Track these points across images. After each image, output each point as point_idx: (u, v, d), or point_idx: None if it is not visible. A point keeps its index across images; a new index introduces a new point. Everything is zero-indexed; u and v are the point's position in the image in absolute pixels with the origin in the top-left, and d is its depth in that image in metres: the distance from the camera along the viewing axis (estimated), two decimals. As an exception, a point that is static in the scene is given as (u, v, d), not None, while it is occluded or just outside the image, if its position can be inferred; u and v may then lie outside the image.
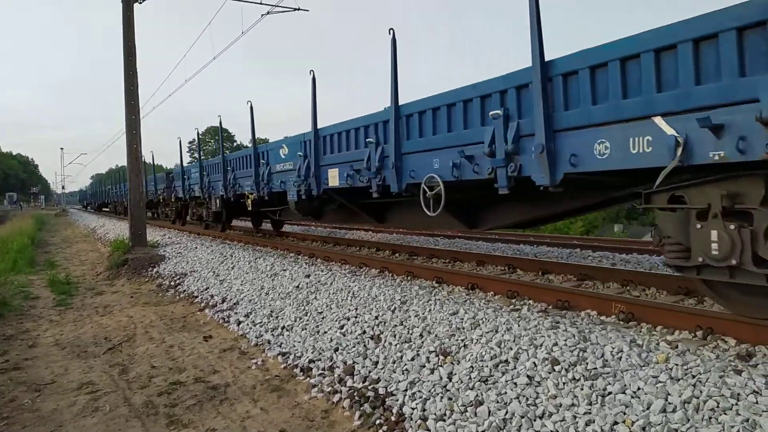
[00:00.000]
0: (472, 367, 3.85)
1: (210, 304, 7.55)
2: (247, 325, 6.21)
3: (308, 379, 4.48)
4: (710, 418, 2.72)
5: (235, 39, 14.83)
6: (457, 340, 4.34)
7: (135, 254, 12.03)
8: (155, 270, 10.94)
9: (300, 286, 7.05)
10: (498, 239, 11.64)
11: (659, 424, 2.74)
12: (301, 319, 5.93)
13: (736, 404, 2.76)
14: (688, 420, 2.75)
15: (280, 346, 5.33)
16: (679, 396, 2.91)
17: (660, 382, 3.09)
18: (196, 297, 8.13)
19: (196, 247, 12.72)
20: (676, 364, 3.23)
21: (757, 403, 2.74)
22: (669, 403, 2.89)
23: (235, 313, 6.79)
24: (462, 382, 3.72)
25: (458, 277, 6.44)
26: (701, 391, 2.91)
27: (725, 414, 2.71)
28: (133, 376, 4.91)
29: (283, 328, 5.84)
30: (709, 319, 3.97)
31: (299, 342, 5.30)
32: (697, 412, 2.79)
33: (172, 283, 9.42)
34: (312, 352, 4.93)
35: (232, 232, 15.48)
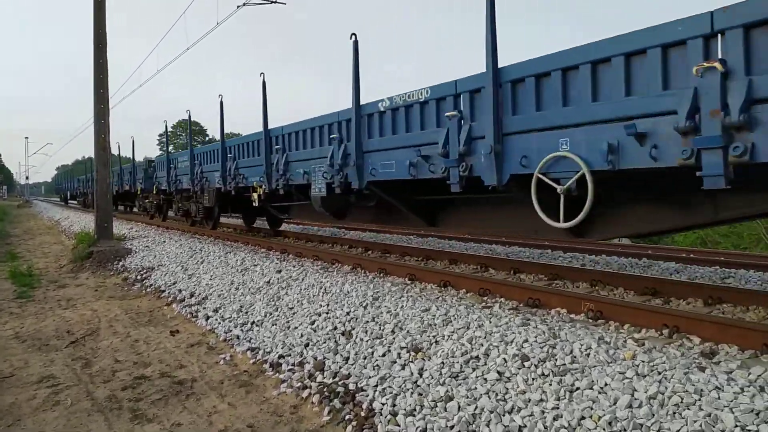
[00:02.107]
0: (443, 363, 3.85)
1: (178, 298, 7.41)
2: (216, 320, 6.11)
3: (278, 374, 4.42)
4: (674, 413, 2.77)
5: (210, 30, 14.60)
6: (428, 336, 4.34)
7: (100, 247, 11.73)
8: (121, 263, 10.69)
9: (271, 281, 6.97)
10: (471, 239, 11.71)
11: (625, 419, 2.78)
12: (271, 314, 5.85)
13: (699, 400, 2.82)
14: (653, 415, 2.79)
15: (250, 342, 5.25)
16: (645, 392, 2.96)
17: (627, 378, 3.14)
18: (164, 291, 7.96)
19: (165, 241, 12.48)
20: (643, 361, 3.29)
21: (719, 398, 2.80)
22: (635, 399, 2.93)
23: (204, 308, 6.67)
24: (433, 377, 3.71)
25: (431, 274, 6.45)
26: (666, 387, 2.96)
27: (689, 409, 2.77)
28: (96, 370, 4.77)
29: (252, 323, 5.76)
30: (676, 318, 4.05)
31: (269, 337, 5.23)
32: (662, 407, 2.83)
33: (139, 277, 9.21)
34: (282, 348, 4.87)
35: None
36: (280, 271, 7.35)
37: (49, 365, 4.93)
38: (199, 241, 11.99)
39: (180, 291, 7.72)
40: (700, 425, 2.62)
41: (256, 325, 5.67)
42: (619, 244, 10.09)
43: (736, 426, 2.58)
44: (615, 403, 2.94)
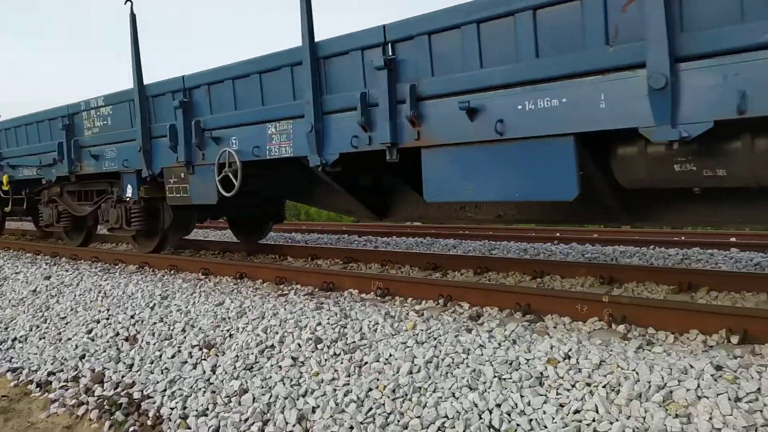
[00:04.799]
0: (237, 356, 3.76)
1: None
2: (-36, 341, 5.12)
3: (47, 394, 3.88)
4: (447, 373, 3.09)
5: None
6: (222, 331, 4.20)
7: None
8: None
9: (38, 289, 6.07)
10: (271, 230, 11.62)
11: (406, 385, 3.02)
12: (38, 327, 5.11)
13: (467, 358, 3.18)
14: (430, 377, 3.08)
15: (10, 362, 4.53)
16: (423, 357, 3.24)
17: (408, 347, 3.41)
18: None
19: None
20: (422, 330, 3.60)
21: (482, 354, 3.19)
22: (415, 365, 3.20)
23: (-53, 329, 5.55)
24: (226, 372, 3.61)
25: (226, 267, 6.25)
26: (440, 351, 3.29)
27: (458, 368, 3.11)
28: None
29: (14, 340, 4.97)
30: (449, 288, 4.52)
31: (36, 354, 4.56)
32: (437, 369, 3.14)
33: None
34: (52, 364, 4.29)
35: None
36: (49, 278, 6.44)
37: None
38: (-60, 250, 9.92)
39: None
40: (467, 380, 2.96)
41: (19, 342, 4.91)
42: (409, 226, 10.91)
43: (495, 376, 2.96)
44: (398, 372, 3.17)
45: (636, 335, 3.52)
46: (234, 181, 5.52)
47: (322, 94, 4.83)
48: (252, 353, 3.74)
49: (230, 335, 4.12)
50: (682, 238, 7.89)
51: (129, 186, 7.07)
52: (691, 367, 2.68)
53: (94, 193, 8.09)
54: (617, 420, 2.46)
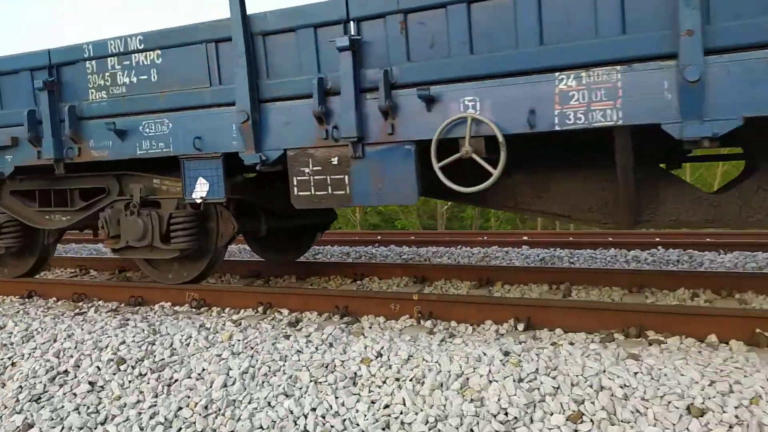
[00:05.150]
0: (21, 387, 3.28)
1: None
2: None
3: None
4: (263, 382, 3.04)
5: None
6: (2, 359, 3.64)
7: None
8: None
9: None
10: (72, 240, 10.38)
11: (220, 399, 2.90)
12: None
13: (284, 365, 3.16)
14: (245, 389, 3.00)
15: None
16: (239, 368, 3.15)
17: (223, 359, 3.28)
18: None
19: None
20: (238, 340, 3.49)
21: (299, 360, 3.20)
22: (230, 377, 3.09)
23: None
24: (6, 407, 3.13)
25: (10, 285, 5.43)
26: (257, 360, 3.22)
27: (275, 375, 3.07)
28: None
29: None
30: (269, 295, 4.46)
31: None
32: (253, 379, 3.07)
33: None
34: None
35: None
36: None
37: None
38: None
39: None
40: (283, 388, 2.94)
41: None
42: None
43: (311, 381, 2.99)
44: (211, 386, 3.04)
45: (441, 329, 3.83)
46: (490, 168, 3.58)
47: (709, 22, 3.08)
48: (40, 382, 3.29)
49: (12, 363, 3.59)
50: (484, 238, 8.79)
51: (202, 180, 4.61)
52: (485, 354, 2.98)
53: (77, 195, 5.33)
54: (422, 410, 2.64)
